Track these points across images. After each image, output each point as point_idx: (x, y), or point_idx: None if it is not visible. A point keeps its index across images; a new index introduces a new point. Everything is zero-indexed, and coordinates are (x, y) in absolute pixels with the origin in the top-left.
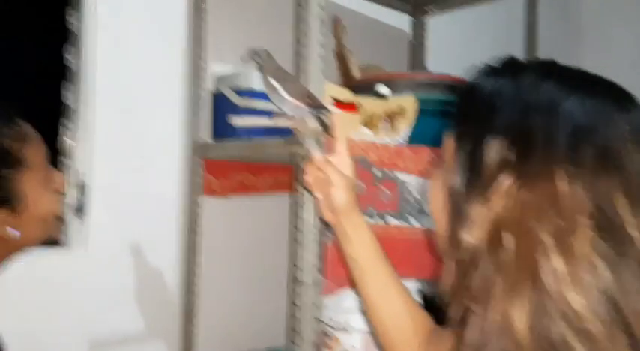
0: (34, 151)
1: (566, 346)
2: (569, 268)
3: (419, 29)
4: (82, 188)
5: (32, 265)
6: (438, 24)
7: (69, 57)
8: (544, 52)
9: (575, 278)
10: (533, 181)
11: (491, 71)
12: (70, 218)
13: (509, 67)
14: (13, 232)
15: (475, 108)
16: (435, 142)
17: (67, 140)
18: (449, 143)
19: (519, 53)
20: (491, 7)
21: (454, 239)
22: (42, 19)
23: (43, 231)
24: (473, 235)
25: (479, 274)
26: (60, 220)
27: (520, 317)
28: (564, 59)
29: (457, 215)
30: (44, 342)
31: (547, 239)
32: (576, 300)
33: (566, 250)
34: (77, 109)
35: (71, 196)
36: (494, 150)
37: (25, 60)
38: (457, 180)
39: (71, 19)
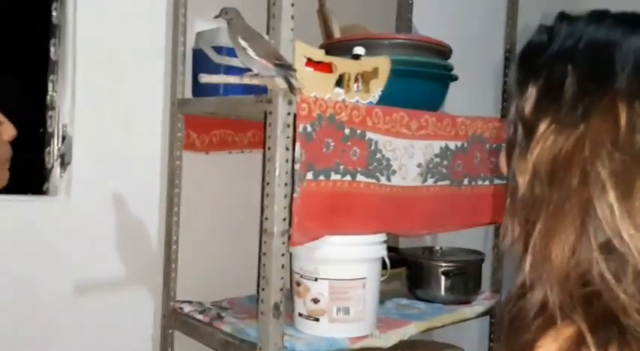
0: None
1: (604, 282)
2: (626, 204)
3: None
4: (64, 138)
5: (18, 211)
6: None
7: (54, 12)
8: (528, 17)
9: (631, 214)
10: (593, 116)
11: (544, 28)
12: (54, 167)
13: (563, 19)
14: None
15: (536, 56)
16: (410, 103)
17: (51, 92)
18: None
19: (502, 17)
20: None
21: (513, 181)
22: None
23: None
24: (528, 172)
25: (533, 210)
26: (5, 169)
27: (563, 252)
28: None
29: (518, 153)
30: (29, 286)
31: (604, 174)
32: (631, 234)
33: (624, 185)
34: (61, 62)
35: (54, 146)
36: (567, 82)
37: (11, 16)
38: (527, 110)
39: None
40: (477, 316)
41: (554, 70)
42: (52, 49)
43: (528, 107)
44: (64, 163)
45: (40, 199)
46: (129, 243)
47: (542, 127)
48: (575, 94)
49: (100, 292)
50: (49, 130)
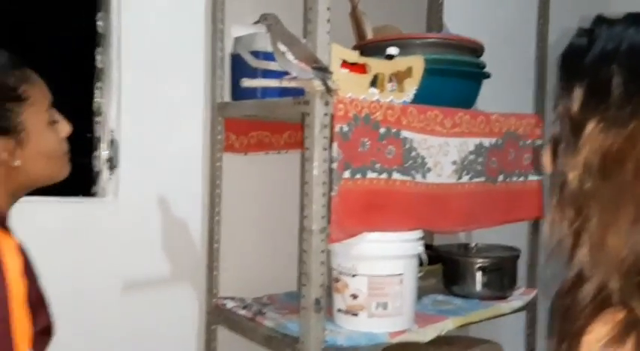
0: (37, 92)
1: None
2: None
3: None
4: (112, 143)
5: (69, 213)
6: None
7: (99, 22)
8: (560, 14)
9: None
10: None
11: (583, 31)
12: (102, 171)
13: (601, 22)
14: (18, 163)
15: (579, 58)
16: (444, 101)
17: (98, 99)
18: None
19: (534, 13)
20: None
21: (560, 177)
22: None
23: (47, 167)
24: (579, 167)
25: (585, 204)
26: (65, 161)
27: (619, 241)
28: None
29: (566, 150)
30: (80, 284)
31: None
32: None
33: None
34: (107, 70)
35: (102, 150)
36: (613, 83)
37: (60, 27)
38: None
39: None
40: (514, 311)
41: (599, 71)
42: (97, 57)
43: (575, 107)
44: (112, 167)
45: (90, 200)
46: (173, 242)
47: (591, 125)
48: (622, 94)
49: (146, 290)
50: (97, 135)
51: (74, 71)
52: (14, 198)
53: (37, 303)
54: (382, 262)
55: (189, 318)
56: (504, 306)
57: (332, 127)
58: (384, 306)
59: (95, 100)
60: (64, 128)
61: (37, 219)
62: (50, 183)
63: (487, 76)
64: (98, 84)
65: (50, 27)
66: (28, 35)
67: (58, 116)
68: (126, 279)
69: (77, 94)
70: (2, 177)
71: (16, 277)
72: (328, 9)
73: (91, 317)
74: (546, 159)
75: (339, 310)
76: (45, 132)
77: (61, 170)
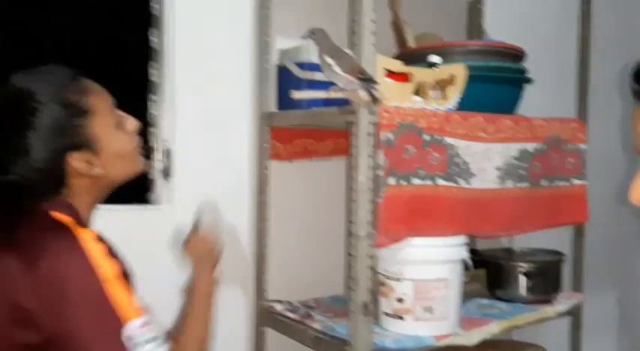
0: (98, 100)
1: None
2: None
3: None
4: (166, 153)
5: (126, 219)
6: None
7: (153, 38)
8: (602, 17)
9: None
10: None
11: None
12: (157, 179)
13: None
14: (99, 171)
15: None
16: (486, 107)
17: (153, 112)
18: None
19: (575, 18)
20: None
21: None
22: (131, 7)
23: (125, 166)
24: None
25: None
26: (141, 155)
27: None
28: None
29: None
30: (138, 287)
31: None
32: None
33: None
34: (160, 84)
35: (157, 160)
36: None
37: (118, 44)
38: None
39: (155, 5)
40: (559, 316)
41: None
42: (152, 71)
43: None
44: (166, 175)
45: (146, 207)
46: (224, 247)
47: None
48: None
49: None
50: (152, 145)
51: (130, 85)
52: (97, 200)
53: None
54: (428, 266)
55: (238, 320)
56: (549, 310)
57: (377, 135)
58: (430, 310)
59: (150, 112)
60: (131, 124)
61: (96, 226)
62: (128, 179)
63: (529, 81)
64: (152, 97)
65: (107, 43)
66: (88, 50)
67: (122, 115)
68: (179, 283)
69: (133, 106)
70: (88, 186)
71: (103, 259)
72: (373, 21)
73: None
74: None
75: (386, 314)
76: (115, 134)
77: (137, 165)
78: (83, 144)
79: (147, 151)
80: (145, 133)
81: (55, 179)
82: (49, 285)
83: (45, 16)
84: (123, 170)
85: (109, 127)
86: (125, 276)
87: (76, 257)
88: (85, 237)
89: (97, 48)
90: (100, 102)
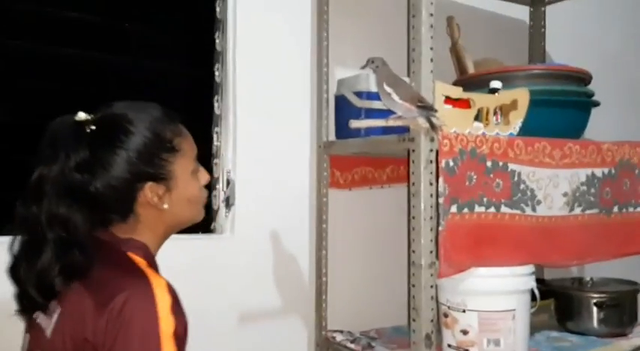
0: (187, 145)
1: None
2: None
3: (538, 19)
4: (228, 183)
5: (190, 248)
6: (557, 12)
7: (216, 72)
8: None
9: None
10: None
11: None
12: (220, 209)
13: None
14: (166, 207)
15: None
16: (551, 132)
17: (216, 143)
18: None
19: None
20: None
21: None
22: (195, 42)
23: (189, 210)
24: None
25: None
26: (204, 207)
27: None
28: None
29: None
30: (199, 316)
31: None
32: None
33: None
34: (223, 116)
35: (220, 189)
36: None
37: (184, 78)
38: None
39: (217, 40)
40: (635, 350)
41: None
42: (215, 104)
43: None
44: (229, 205)
45: (209, 237)
46: (284, 275)
47: None
48: None
49: (259, 322)
50: (215, 175)
51: (195, 117)
52: (162, 240)
53: (185, 337)
54: (493, 297)
55: (299, 350)
56: (624, 343)
57: (437, 162)
58: (497, 342)
59: (214, 143)
60: (204, 177)
61: (160, 255)
62: (189, 225)
63: (596, 104)
64: (216, 129)
65: (174, 77)
66: (156, 86)
67: (199, 166)
68: (241, 311)
69: (197, 138)
70: (153, 219)
71: (167, 314)
72: (431, 49)
73: (208, 348)
74: None
75: (450, 346)
76: (190, 180)
77: (199, 214)
78: (161, 177)
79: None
80: (209, 163)
81: (125, 202)
82: (114, 321)
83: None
84: (186, 214)
85: (188, 172)
86: (182, 335)
87: (145, 302)
88: (158, 285)
89: (164, 82)
90: (187, 147)
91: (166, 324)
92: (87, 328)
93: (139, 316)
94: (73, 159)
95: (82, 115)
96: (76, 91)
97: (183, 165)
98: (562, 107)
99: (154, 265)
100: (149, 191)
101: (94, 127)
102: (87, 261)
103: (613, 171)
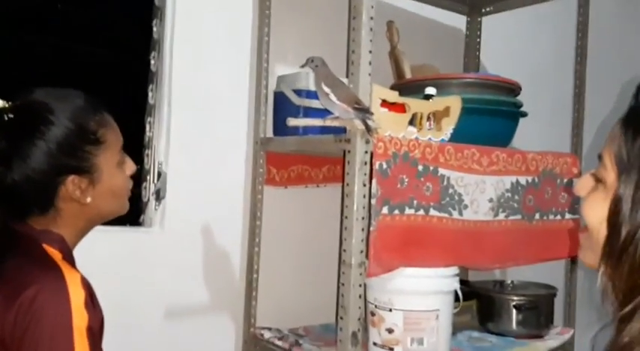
0: (113, 136)
1: None
2: None
3: (474, 29)
4: (159, 175)
5: (117, 241)
6: (493, 23)
7: (152, 61)
8: (598, 52)
9: None
10: None
11: None
12: (150, 201)
13: None
14: (89, 200)
15: None
16: (480, 139)
17: (149, 133)
18: (610, 165)
19: (571, 52)
20: (546, 6)
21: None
22: (131, 30)
23: (113, 203)
24: None
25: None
26: (128, 199)
27: None
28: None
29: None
30: (124, 311)
31: None
32: None
33: None
34: (157, 106)
35: (151, 181)
36: None
37: (117, 65)
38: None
39: (155, 28)
40: None
41: None
42: (150, 93)
43: None
44: (159, 198)
45: (137, 229)
46: (214, 272)
47: None
48: None
49: (187, 318)
50: (146, 167)
51: (127, 106)
52: (82, 233)
53: (100, 332)
54: (419, 297)
55: (227, 346)
56: (540, 345)
57: (371, 164)
58: (420, 341)
59: (146, 134)
60: (130, 167)
61: (86, 246)
62: (112, 218)
63: (524, 115)
64: (149, 119)
65: (107, 64)
66: (87, 72)
67: (125, 156)
68: (168, 307)
69: (129, 127)
70: (74, 213)
71: (80, 308)
72: (370, 52)
73: (134, 342)
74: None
75: (375, 344)
76: (115, 172)
77: (123, 207)
78: (85, 170)
79: (140, 174)
80: (140, 154)
81: (46, 195)
82: (24, 314)
83: (47, 38)
84: (110, 207)
85: (113, 164)
86: (96, 330)
87: (57, 296)
88: (72, 279)
89: (95, 69)
90: (113, 138)
91: (79, 318)
92: None
93: (50, 310)
94: None
95: None
96: None
97: (108, 157)
98: (492, 116)
99: (69, 259)
100: (71, 185)
101: (11, 116)
102: None
103: (536, 180)
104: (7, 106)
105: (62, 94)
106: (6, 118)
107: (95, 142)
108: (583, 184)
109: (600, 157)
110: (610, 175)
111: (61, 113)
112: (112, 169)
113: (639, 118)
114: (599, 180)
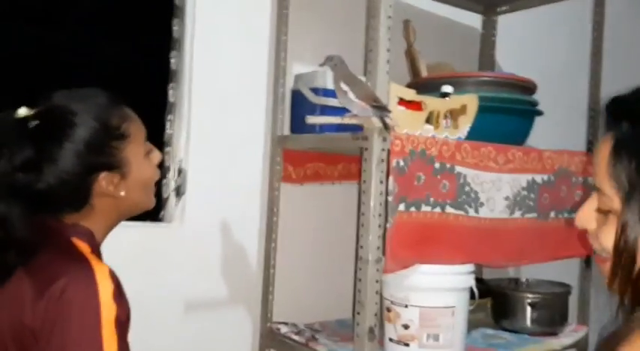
0: (136, 128)
1: None
2: None
3: (489, 28)
4: (180, 172)
5: (138, 236)
6: (508, 22)
7: (172, 60)
8: (613, 50)
9: None
10: None
11: None
12: (170, 197)
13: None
14: (123, 194)
15: None
16: (497, 138)
17: (169, 131)
18: (612, 193)
19: (586, 51)
20: (561, 6)
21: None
22: (152, 29)
23: (145, 195)
24: None
25: None
26: (156, 190)
27: None
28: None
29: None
30: (144, 305)
31: None
32: None
33: None
34: (178, 104)
35: (171, 178)
36: None
37: (138, 64)
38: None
39: (175, 27)
40: (564, 349)
41: None
42: (170, 92)
43: None
44: (179, 194)
45: (158, 225)
46: (232, 267)
47: None
48: None
49: (205, 312)
50: (166, 164)
51: (148, 104)
52: (112, 227)
53: (127, 324)
54: (435, 293)
55: (244, 341)
56: (555, 342)
57: (389, 162)
58: (436, 337)
59: (166, 131)
60: (157, 156)
61: (107, 241)
62: (141, 212)
63: (540, 113)
64: (169, 116)
65: (129, 63)
66: (109, 71)
67: (150, 146)
68: (187, 301)
69: (149, 125)
70: (108, 207)
71: (109, 300)
72: (388, 50)
73: (152, 337)
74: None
75: (391, 340)
76: (143, 163)
77: (152, 199)
78: (114, 166)
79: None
80: (160, 151)
81: (80, 194)
82: (54, 306)
83: (67, 37)
84: (141, 198)
85: (140, 155)
86: (124, 321)
87: (86, 288)
88: (100, 271)
89: (117, 68)
90: (136, 130)
91: (108, 310)
92: (25, 313)
93: (79, 302)
94: (18, 158)
95: (22, 111)
96: (16, 77)
97: (135, 149)
98: (507, 114)
99: (97, 253)
100: (104, 181)
101: (36, 122)
102: (23, 258)
103: (552, 178)
104: (30, 114)
105: (82, 95)
106: (31, 126)
107: (120, 137)
108: (588, 218)
109: (596, 188)
110: (615, 202)
111: (83, 114)
112: (140, 160)
113: (628, 142)
114: (605, 211)
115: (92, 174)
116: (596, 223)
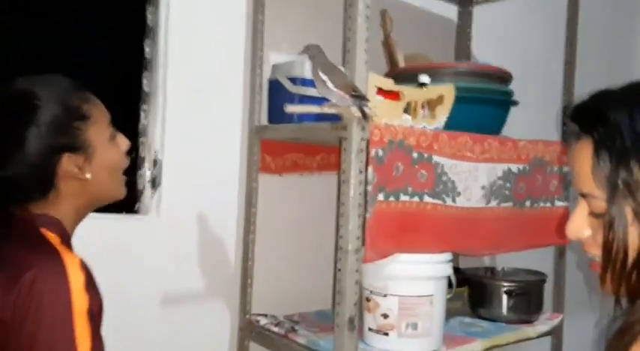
0: (98, 111)
1: None
2: None
3: (465, 18)
4: (155, 163)
5: (112, 228)
6: (484, 13)
7: (146, 48)
8: (588, 41)
9: None
10: None
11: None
12: (146, 189)
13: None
14: (88, 176)
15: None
16: (473, 128)
17: (144, 121)
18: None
19: (561, 41)
20: None
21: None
22: (125, 17)
23: (111, 181)
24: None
25: None
26: (128, 186)
27: None
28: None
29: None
30: (120, 298)
31: None
32: None
33: None
34: (152, 94)
35: (147, 169)
36: None
37: (111, 53)
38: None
39: (149, 16)
40: (540, 336)
41: None
42: (144, 81)
43: None
44: (155, 185)
45: (133, 217)
46: (210, 259)
47: None
48: None
49: (182, 305)
50: (141, 155)
51: (122, 94)
52: (81, 215)
53: (99, 315)
54: (413, 282)
55: (222, 333)
56: (530, 330)
57: (368, 152)
58: (414, 326)
59: (141, 121)
60: (124, 142)
61: (82, 234)
62: (111, 201)
63: (515, 103)
64: (144, 106)
65: (101, 52)
66: (81, 60)
67: (116, 132)
68: (164, 294)
69: (124, 115)
70: (74, 192)
71: (80, 291)
72: (367, 40)
73: (129, 329)
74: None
75: (370, 329)
76: (108, 146)
77: (121, 188)
78: (78, 147)
79: (136, 162)
80: (135, 142)
81: (45, 178)
82: (25, 297)
83: (39, 27)
84: (110, 185)
85: (104, 138)
86: (96, 312)
87: (57, 279)
88: (71, 262)
89: (90, 57)
90: (99, 113)
91: (79, 301)
92: None
93: (49, 293)
94: None
95: None
96: None
97: (98, 132)
98: (484, 104)
99: (67, 243)
100: (67, 162)
101: None
102: None
103: (527, 167)
104: None
105: (43, 80)
106: None
107: (82, 117)
108: (579, 227)
109: (583, 194)
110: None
111: (45, 97)
112: (105, 143)
113: (608, 142)
114: (599, 214)
115: (55, 155)
116: (591, 230)
